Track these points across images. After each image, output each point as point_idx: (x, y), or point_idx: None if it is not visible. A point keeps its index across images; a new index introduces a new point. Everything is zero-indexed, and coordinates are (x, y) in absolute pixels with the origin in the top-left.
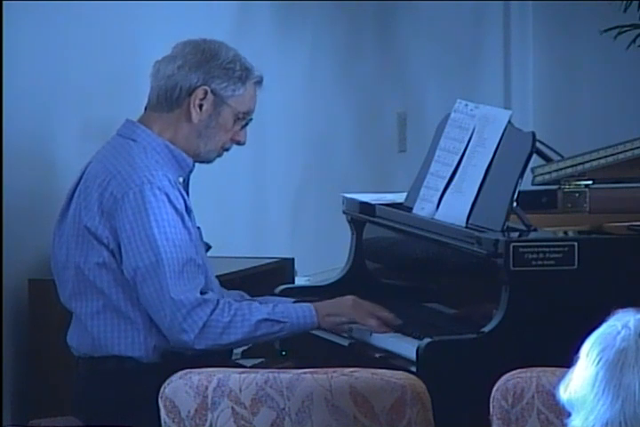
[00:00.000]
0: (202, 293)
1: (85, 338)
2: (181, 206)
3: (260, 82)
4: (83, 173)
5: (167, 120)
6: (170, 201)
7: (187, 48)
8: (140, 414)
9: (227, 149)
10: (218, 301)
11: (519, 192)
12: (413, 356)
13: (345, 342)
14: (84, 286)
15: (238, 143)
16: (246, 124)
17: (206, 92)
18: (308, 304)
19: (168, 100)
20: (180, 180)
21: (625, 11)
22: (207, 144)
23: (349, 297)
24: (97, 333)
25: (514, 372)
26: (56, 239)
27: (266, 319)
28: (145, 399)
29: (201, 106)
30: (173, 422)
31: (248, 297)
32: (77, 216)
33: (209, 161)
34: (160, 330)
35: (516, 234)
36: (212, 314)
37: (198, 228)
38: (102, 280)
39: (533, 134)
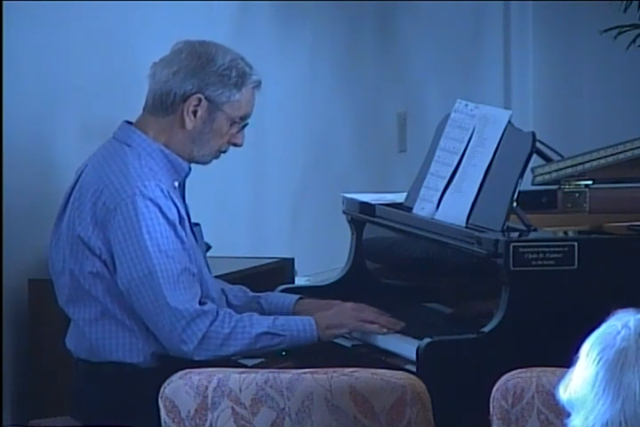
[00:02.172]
0: (201, 303)
1: (83, 343)
2: (174, 217)
3: (257, 86)
4: (78, 178)
5: (162, 125)
6: (162, 212)
7: (183, 52)
8: (139, 417)
9: (223, 152)
10: (217, 312)
11: (519, 192)
12: (413, 356)
13: (348, 344)
14: (80, 293)
15: (235, 145)
16: (243, 127)
17: (200, 100)
18: (309, 317)
19: (163, 105)
20: (176, 184)
21: (625, 11)
22: (201, 149)
23: (348, 305)
24: (95, 339)
25: (514, 372)
26: (53, 243)
27: (266, 333)
28: (144, 402)
29: (195, 112)
30: (173, 422)
31: (250, 292)
32: (72, 224)
33: (205, 163)
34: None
35: (516, 234)
36: (211, 325)
37: (198, 224)
38: (97, 289)
39: (533, 134)
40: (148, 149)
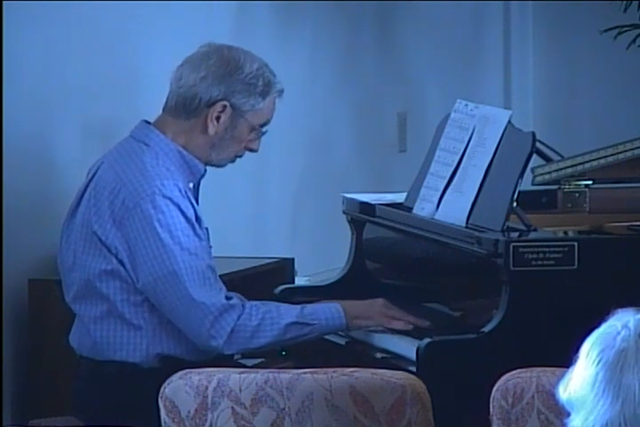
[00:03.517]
0: (227, 298)
1: (87, 341)
2: (192, 215)
3: (280, 94)
4: (94, 175)
5: (182, 127)
6: (181, 211)
7: (212, 58)
8: (140, 417)
9: (239, 156)
10: (244, 305)
11: (519, 192)
12: (413, 356)
13: (342, 341)
14: (88, 290)
15: (251, 150)
16: (263, 133)
17: (225, 106)
18: (336, 304)
19: (186, 108)
20: (190, 185)
21: (625, 11)
22: (220, 154)
23: (380, 300)
24: (99, 337)
25: (514, 372)
26: (64, 239)
27: (295, 322)
28: (145, 402)
29: (218, 118)
30: (173, 422)
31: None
32: (87, 221)
33: (220, 167)
34: (166, 338)
35: (516, 234)
36: (239, 319)
37: (206, 228)
38: (108, 287)
39: (533, 134)
40: (166, 149)
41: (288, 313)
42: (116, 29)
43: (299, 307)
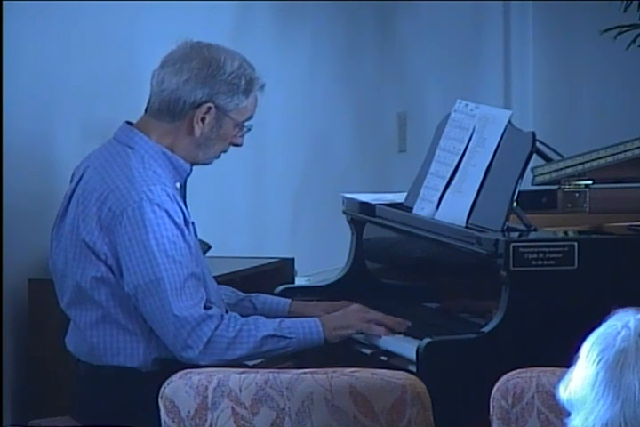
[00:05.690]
0: (206, 307)
1: (84, 346)
2: (181, 220)
3: (262, 87)
4: (80, 179)
5: (167, 129)
6: (169, 216)
7: (193, 60)
8: (140, 420)
9: (225, 152)
10: (222, 316)
11: (519, 192)
12: (413, 356)
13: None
14: (82, 296)
15: (236, 145)
16: (248, 130)
17: (210, 108)
18: (315, 319)
19: (170, 111)
20: (177, 185)
21: (625, 11)
22: (206, 153)
23: (355, 307)
24: (96, 343)
25: (514, 372)
26: (54, 244)
27: (272, 335)
28: (144, 405)
29: (203, 119)
30: (173, 422)
31: (240, 293)
32: (76, 228)
33: (206, 164)
34: (161, 342)
35: (516, 234)
36: (216, 329)
37: (192, 223)
38: (100, 293)
39: (533, 134)
40: (151, 152)
41: (266, 326)
42: (117, 29)
43: (277, 320)
